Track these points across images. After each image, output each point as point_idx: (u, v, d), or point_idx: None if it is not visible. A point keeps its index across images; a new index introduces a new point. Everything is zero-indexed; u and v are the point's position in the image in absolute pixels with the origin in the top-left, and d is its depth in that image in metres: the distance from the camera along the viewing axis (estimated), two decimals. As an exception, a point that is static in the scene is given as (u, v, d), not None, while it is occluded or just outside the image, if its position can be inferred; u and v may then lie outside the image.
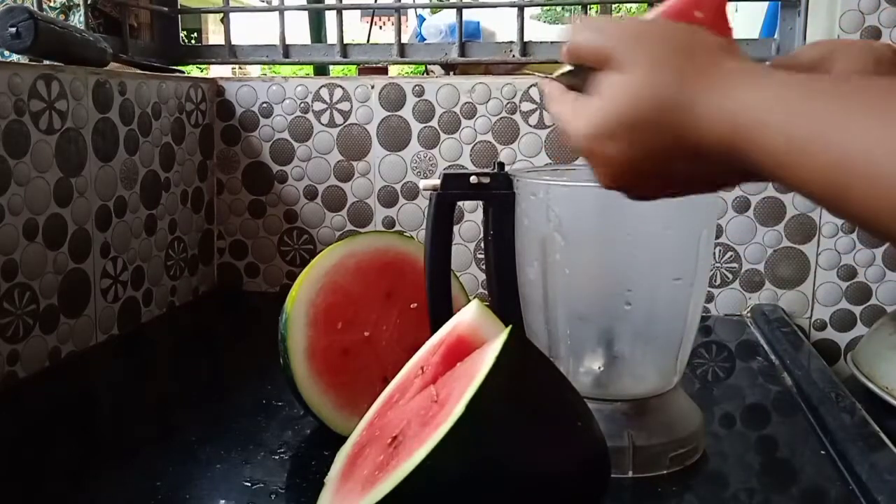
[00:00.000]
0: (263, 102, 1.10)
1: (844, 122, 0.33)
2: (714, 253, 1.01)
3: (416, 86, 1.05)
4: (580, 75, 0.42)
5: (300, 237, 1.12)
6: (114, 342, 0.90)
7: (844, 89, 0.35)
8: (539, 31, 1.91)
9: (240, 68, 5.11)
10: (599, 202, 0.59)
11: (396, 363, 0.55)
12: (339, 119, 1.08)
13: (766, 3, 1.27)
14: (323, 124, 1.08)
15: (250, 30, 1.83)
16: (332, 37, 1.39)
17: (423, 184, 0.63)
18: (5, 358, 0.74)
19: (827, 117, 0.34)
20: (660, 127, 0.38)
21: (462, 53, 1.09)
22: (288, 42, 1.14)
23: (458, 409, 0.40)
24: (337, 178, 1.09)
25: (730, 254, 1.01)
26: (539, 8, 3.91)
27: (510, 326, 0.45)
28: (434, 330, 0.55)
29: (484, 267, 1.06)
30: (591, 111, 0.41)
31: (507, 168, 0.62)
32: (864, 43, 0.51)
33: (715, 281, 1.02)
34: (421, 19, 1.64)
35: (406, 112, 1.06)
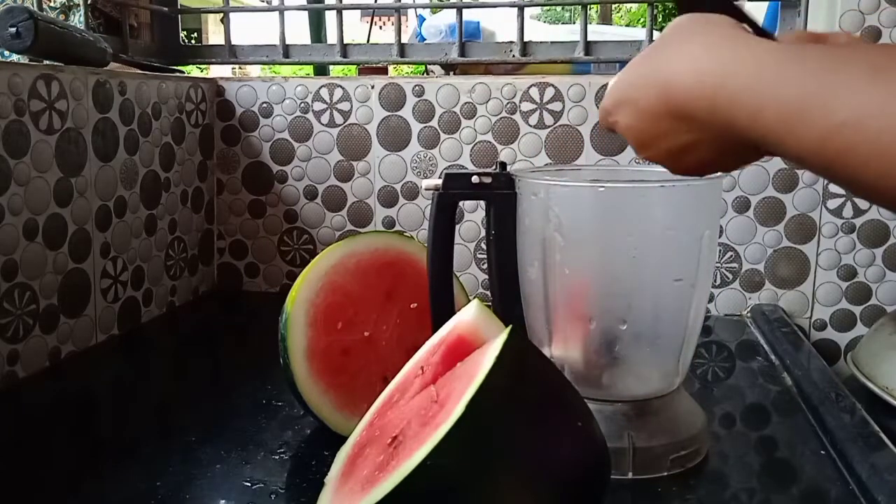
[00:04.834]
0: (263, 102, 1.10)
1: (842, 87, 0.32)
2: (714, 253, 1.01)
3: (416, 86, 1.05)
4: None
5: (300, 237, 1.11)
6: (114, 342, 0.90)
7: (838, 54, 0.34)
8: (539, 31, 1.91)
9: (240, 68, 5.11)
10: (600, 202, 0.59)
11: (396, 363, 0.55)
12: (339, 119, 1.08)
13: (766, 3, 1.27)
14: (323, 124, 1.08)
15: (250, 30, 1.83)
16: (332, 37, 1.39)
17: (425, 183, 0.63)
18: (5, 358, 0.74)
19: (822, 82, 0.32)
20: (645, 88, 0.41)
21: (462, 53, 1.09)
22: (288, 42, 1.14)
23: (458, 409, 0.40)
24: (337, 178, 1.09)
25: (730, 254, 1.01)
26: (539, 8, 3.91)
27: (510, 326, 0.45)
28: (436, 329, 0.55)
29: (484, 267, 1.06)
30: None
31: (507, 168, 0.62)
32: None
33: (715, 281, 1.02)
34: (421, 19, 1.64)
35: (406, 112, 1.06)
